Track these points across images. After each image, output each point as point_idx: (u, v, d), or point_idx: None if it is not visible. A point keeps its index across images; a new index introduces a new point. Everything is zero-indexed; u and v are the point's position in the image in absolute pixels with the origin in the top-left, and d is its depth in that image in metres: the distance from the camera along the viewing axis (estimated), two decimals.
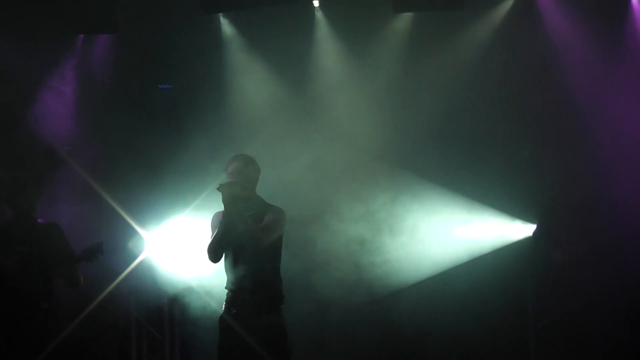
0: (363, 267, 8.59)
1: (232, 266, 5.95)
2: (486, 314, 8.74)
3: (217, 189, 5.79)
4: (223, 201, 5.79)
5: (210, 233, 6.02)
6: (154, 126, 9.07)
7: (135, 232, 8.35)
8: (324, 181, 8.45)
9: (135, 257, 8.30)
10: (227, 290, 6.03)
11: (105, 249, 6.68)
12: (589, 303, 8.36)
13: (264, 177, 6.19)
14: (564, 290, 8.60)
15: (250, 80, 9.17)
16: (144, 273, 8.68)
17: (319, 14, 9.16)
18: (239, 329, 5.88)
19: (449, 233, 8.93)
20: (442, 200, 8.81)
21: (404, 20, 9.06)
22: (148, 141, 8.83)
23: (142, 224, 8.49)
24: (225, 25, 9.23)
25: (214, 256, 5.94)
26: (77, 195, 8.79)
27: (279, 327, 5.94)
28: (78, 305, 7.88)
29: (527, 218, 8.88)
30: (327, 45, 9.19)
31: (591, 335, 8.39)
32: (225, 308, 6.01)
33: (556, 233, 8.72)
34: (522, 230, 8.84)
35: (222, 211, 5.89)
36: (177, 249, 8.64)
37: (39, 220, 6.82)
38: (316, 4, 9.06)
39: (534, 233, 8.74)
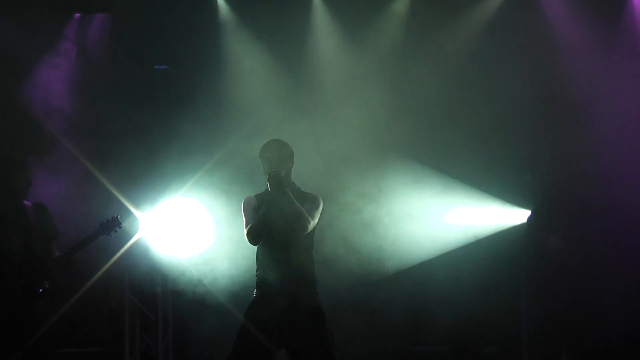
0: (361, 252, 8.58)
1: (269, 251, 5.89)
2: (480, 300, 8.76)
3: (268, 175, 5.82)
4: (271, 184, 5.82)
5: (244, 218, 5.97)
6: (149, 106, 9.05)
7: (129, 212, 8.33)
8: (321, 165, 8.44)
9: (129, 238, 8.28)
10: (258, 275, 5.95)
11: (122, 221, 6.73)
12: (583, 290, 8.36)
13: (255, 159, 6.17)
14: (558, 275, 8.61)
15: (247, 62, 9.14)
16: (138, 254, 8.68)
17: None
18: (272, 314, 5.82)
19: (445, 218, 8.95)
20: (439, 186, 8.81)
21: (402, 4, 9.04)
22: (143, 121, 8.81)
23: (136, 204, 8.47)
24: (223, 7, 9.19)
25: (256, 238, 5.87)
26: (72, 176, 8.77)
27: (317, 310, 5.88)
28: (72, 285, 7.87)
29: (522, 204, 8.89)
30: (324, 29, 9.16)
31: (585, 321, 8.39)
32: (258, 293, 5.93)
33: (551, 219, 8.72)
34: (517, 216, 8.85)
35: (255, 196, 5.95)
36: (171, 229, 8.63)
37: (26, 202, 6.78)
38: None
39: (529, 219, 8.75)
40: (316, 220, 5.97)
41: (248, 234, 5.89)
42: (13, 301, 6.51)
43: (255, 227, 5.86)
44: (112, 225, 6.77)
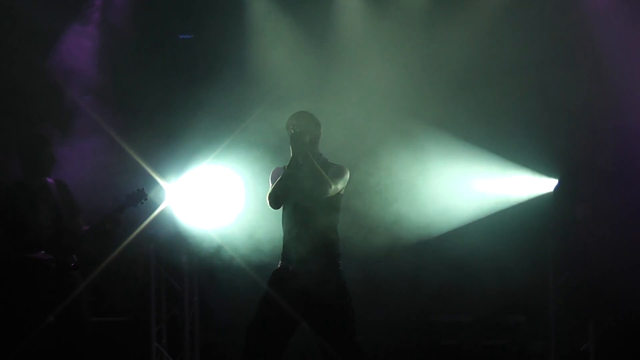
0: (385, 221, 8.56)
1: (293, 217, 5.89)
2: (506, 270, 8.73)
3: (290, 137, 5.81)
4: (292, 145, 5.80)
5: (270, 185, 5.96)
6: (174, 76, 9.03)
7: (155, 182, 8.35)
8: (341, 136, 8.41)
9: (155, 208, 8.29)
10: (283, 244, 5.96)
11: (147, 192, 6.76)
12: (610, 260, 8.31)
13: (282, 130, 6.16)
14: (585, 245, 8.56)
15: (272, 30, 9.10)
16: (164, 223, 8.70)
17: None
18: (296, 285, 5.82)
19: (471, 187, 8.90)
20: (465, 154, 8.76)
21: None
22: (168, 90, 8.80)
23: (162, 174, 8.48)
24: None
25: (276, 202, 5.88)
26: (97, 146, 8.79)
27: (339, 283, 5.87)
28: (98, 255, 7.91)
29: (549, 173, 8.82)
30: (348, 1, 9.11)
31: (612, 292, 8.35)
32: (281, 264, 5.95)
33: (578, 188, 8.65)
34: (544, 185, 8.79)
35: (284, 167, 5.90)
36: (197, 199, 8.64)
37: (48, 179, 6.80)
38: None
39: (556, 188, 8.68)
40: (339, 187, 5.93)
41: (268, 197, 5.89)
42: (47, 273, 6.56)
43: (275, 189, 5.86)
44: (139, 197, 6.80)
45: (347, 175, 6.02)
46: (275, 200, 5.89)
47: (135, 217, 7.97)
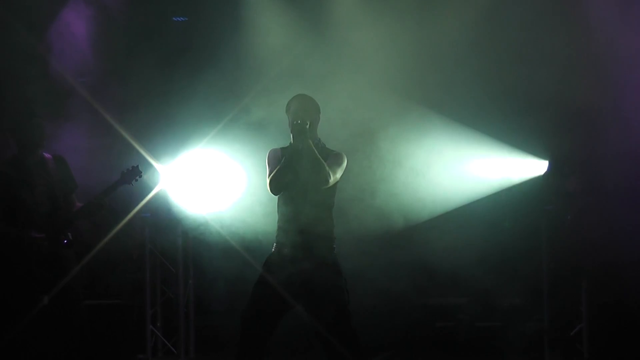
0: (380, 205, 8.56)
1: (289, 202, 5.90)
2: (499, 252, 8.75)
3: (292, 125, 5.83)
4: (294, 135, 5.82)
5: (268, 168, 5.98)
6: (168, 58, 9.00)
7: (149, 164, 8.32)
8: (338, 119, 8.39)
9: (150, 190, 8.27)
10: (278, 228, 5.98)
11: (142, 170, 6.75)
12: (606, 235, 8.30)
13: (281, 110, 6.14)
14: (577, 227, 8.57)
15: (267, 14, 9.06)
16: (159, 206, 8.69)
17: None
18: (289, 267, 5.84)
19: (463, 170, 8.90)
20: (458, 137, 8.75)
21: None
22: (162, 73, 8.77)
23: (156, 156, 8.46)
24: None
25: (277, 188, 5.90)
26: (91, 128, 8.76)
27: (334, 266, 5.90)
28: (92, 237, 7.90)
29: (540, 155, 8.83)
30: None
31: (604, 272, 8.37)
32: (276, 248, 5.97)
33: (566, 164, 8.66)
34: (536, 167, 8.79)
35: (280, 148, 5.95)
36: (192, 182, 8.63)
37: (45, 154, 6.80)
38: None
39: (547, 170, 8.69)
40: (337, 176, 5.97)
41: (270, 184, 5.90)
42: (40, 251, 6.56)
43: (276, 176, 5.86)
44: (133, 174, 6.81)
45: (345, 163, 6.04)
46: (277, 187, 5.90)
47: (129, 200, 7.96)
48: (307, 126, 5.82)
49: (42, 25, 8.82)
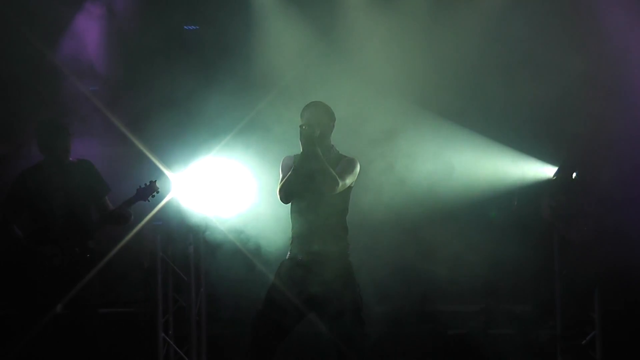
0: (392, 209, 8.54)
1: (301, 210, 5.90)
2: (512, 259, 8.73)
3: (300, 132, 5.79)
4: (301, 141, 5.80)
5: (281, 175, 5.99)
6: (180, 67, 9.03)
7: (161, 173, 8.34)
8: (349, 124, 8.39)
9: (161, 198, 8.29)
10: (292, 236, 5.98)
11: (159, 186, 6.74)
12: (619, 242, 8.27)
13: (292, 118, 6.14)
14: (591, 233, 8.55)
15: (278, 22, 9.09)
16: (171, 214, 8.70)
17: None
18: (303, 274, 5.85)
19: (475, 176, 8.90)
20: (470, 144, 8.76)
21: None
22: (174, 82, 8.79)
23: (168, 165, 8.47)
24: None
25: (287, 196, 5.89)
26: (103, 137, 8.80)
27: (347, 274, 5.90)
28: (104, 245, 7.92)
29: (551, 160, 8.82)
30: None
31: (617, 280, 8.35)
32: (290, 255, 5.96)
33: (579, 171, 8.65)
34: (547, 172, 8.79)
35: (294, 155, 5.94)
36: (204, 190, 8.63)
37: (71, 159, 6.89)
38: None
39: (556, 174, 8.68)
40: (347, 182, 5.91)
41: (279, 192, 5.91)
42: (52, 263, 6.59)
43: (285, 184, 5.87)
44: (150, 191, 6.80)
45: (357, 169, 6.00)
46: (286, 195, 5.90)
47: (141, 208, 7.96)
48: (315, 132, 5.80)
49: (55, 34, 8.87)
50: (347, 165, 5.95)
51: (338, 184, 5.79)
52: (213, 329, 9.29)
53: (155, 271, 8.97)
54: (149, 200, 6.84)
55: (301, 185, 5.85)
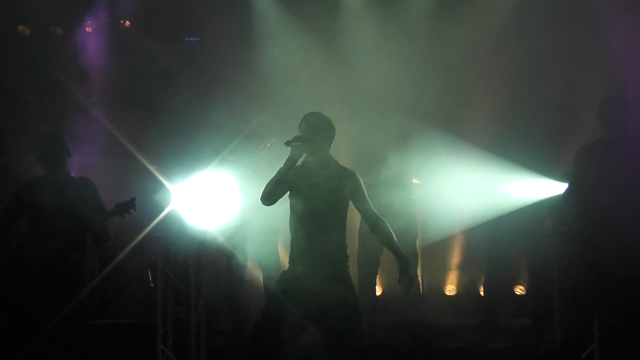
0: (392, 225, 8.54)
1: (302, 223, 5.92)
2: (511, 271, 8.73)
3: (285, 143, 5.84)
4: (291, 149, 5.84)
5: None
6: (180, 78, 9.06)
7: (162, 184, 8.35)
8: (351, 137, 8.41)
9: (162, 210, 8.30)
10: (291, 247, 6.01)
11: (137, 204, 6.77)
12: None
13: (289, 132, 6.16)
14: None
15: (278, 34, 9.12)
16: (171, 225, 8.70)
17: None
18: (302, 284, 5.87)
19: (475, 190, 8.89)
20: (470, 157, 8.76)
21: None
22: (175, 93, 8.82)
23: (169, 177, 8.49)
24: None
25: (267, 197, 5.92)
26: (104, 149, 8.82)
27: (346, 285, 5.92)
28: (104, 257, 7.94)
29: (557, 177, 8.80)
30: (356, 1, 9.12)
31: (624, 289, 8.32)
32: (289, 266, 5.98)
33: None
34: (550, 188, 8.76)
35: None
36: (204, 202, 8.64)
37: (72, 174, 6.94)
38: None
39: (566, 192, 8.65)
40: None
41: (261, 194, 5.94)
42: (43, 274, 6.63)
43: (266, 187, 5.91)
44: (127, 207, 6.83)
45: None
46: (267, 197, 5.93)
47: (141, 219, 7.98)
48: (301, 141, 5.83)
49: (57, 45, 8.91)
50: (361, 190, 5.99)
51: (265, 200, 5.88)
52: (212, 340, 9.28)
53: (155, 282, 8.98)
54: (125, 217, 6.87)
55: (282, 189, 5.89)
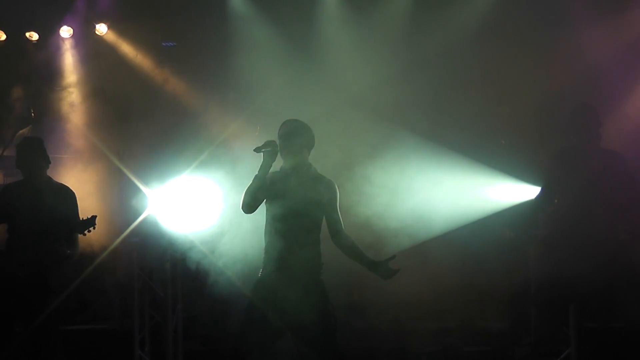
0: (372, 229, 8.57)
1: (278, 229, 5.89)
2: (488, 277, 8.76)
3: (254, 150, 5.82)
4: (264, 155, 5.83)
5: None
6: (156, 83, 9.04)
7: (138, 189, 8.34)
8: (328, 144, 8.41)
9: (138, 215, 8.29)
10: (265, 253, 5.98)
11: (97, 223, 6.77)
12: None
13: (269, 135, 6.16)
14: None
15: (254, 39, 9.12)
16: (147, 230, 8.69)
17: None
18: (278, 291, 5.84)
19: (452, 194, 8.92)
20: (446, 161, 8.79)
21: None
22: (151, 99, 8.81)
23: (145, 181, 8.48)
24: None
25: (248, 206, 5.88)
26: (80, 154, 8.80)
27: (321, 292, 5.91)
28: (81, 262, 7.90)
29: (531, 180, 8.85)
30: (330, 4, 9.13)
31: (594, 297, 8.37)
32: (263, 272, 5.95)
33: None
34: (525, 192, 8.80)
35: (272, 172, 5.91)
36: (180, 206, 8.63)
37: (54, 181, 6.95)
38: None
39: (538, 196, 8.69)
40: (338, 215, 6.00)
41: (242, 203, 5.90)
42: (16, 280, 6.63)
43: (245, 196, 5.87)
44: (87, 224, 6.82)
45: (338, 195, 6.04)
46: (247, 204, 5.89)
47: (118, 225, 7.97)
48: (271, 146, 5.82)
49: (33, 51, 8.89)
50: (336, 201, 6.00)
51: (246, 208, 5.86)
52: (189, 345, 9.26)
53: (132, 288, 8.95)
54: (84, 234, 6.86)
55: (259, 198, 5.86)
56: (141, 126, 8.83)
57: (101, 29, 9.51)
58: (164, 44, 9.49)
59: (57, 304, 6.83)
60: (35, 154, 6.96)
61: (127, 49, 9.21)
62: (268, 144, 5.86)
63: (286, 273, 5.87)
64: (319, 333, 5.82)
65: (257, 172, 5.87)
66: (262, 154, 5.85)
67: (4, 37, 9.73)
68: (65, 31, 9.37)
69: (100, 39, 9.16)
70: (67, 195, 7.05)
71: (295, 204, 5.88)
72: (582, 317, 8.19)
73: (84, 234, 6.86)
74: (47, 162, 7.01)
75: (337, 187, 6.05)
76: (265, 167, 5.84)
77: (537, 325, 8.53)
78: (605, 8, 8.74)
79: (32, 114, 9.35)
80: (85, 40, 9.22)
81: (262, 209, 5.98)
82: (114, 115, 8.94)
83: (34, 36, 9.78)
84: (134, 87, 8.84)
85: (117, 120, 8.92)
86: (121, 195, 8.45)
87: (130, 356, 8.82)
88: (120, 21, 9.23)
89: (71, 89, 9.24)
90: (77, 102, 9.20)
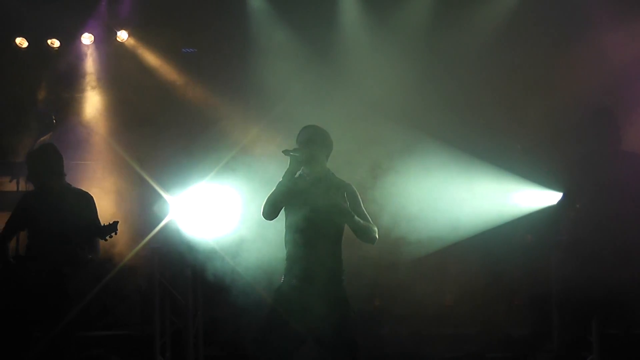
0: (386, 235, 8.55)
1: (299, 236, 5.88)
2: (509, 283, 8.71)
3: (283, 151, 5.81)
4: (290, 161, 5.82)
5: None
6: (177, 90, 9.06)
7: (159, 196, 8.36)
8: (344, 148, 8.40)
9: (159, 221, 8.30)
10: (286, 261, 5.96)
11: (118, 228, 6.78)
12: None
13: (289, 141, 6.17)
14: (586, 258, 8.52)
15: (274, 45, 9.12)
16: (168, 237, 8.70)
17: None
18: (300, 298, 5.84)
19: (473, 200, 8.89)
20: (467, 167, 8.76)
21: None
22: (173, 107, 8.83)
23: (166, 188, 8.50)
24: None
25: (269, 213, 5.88)
26: (102, 161, 8.83)
27: (343, 299, 5.89)
28: (102, 268, 7.93)
29: (553, 186, 8.81)
30: (351, 9, 9.12)
31: (615, 302, 8.31)
32: (284, 279, 5.95)
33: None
34: (547, 198, 8.76)
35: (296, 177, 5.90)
36: (201, 213, 8.64)
37: (72, 186, 6.97)
38: None
39: (560, 201, 8.65)
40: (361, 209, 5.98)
41: (262, 209, 5.90)
42: (35, 282, 6.65)
43: (267, 203, 5.87)
44: (109, 230, 6.82)
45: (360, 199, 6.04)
46: (268, 211, 5.89)
47: (140, 231, 7.98)
48: (300, 152, 5.82)
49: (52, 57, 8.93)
50: (359, 202, 5.99)
51: (266, 215, 5.88)
52: (210, 351, 9.27)
53: (153, 294, 8.97)
54: (107, 239, 6.86)
55: (280, 204, 5.84)
56: (162, 132, 8.83)
57: (122, 35, 9.57)
58: (184, 50, 9.52)
59: (75, 311, 6.84)
60: (43, 166, 6.96)
61: (147, 55, 9.24)
62: (298, 150, 5.84)
63: (308, 281, 5.87)
64: (341, 340, 5.80)
65: (281, 179, 5.84)
66: (289, 158, 5.82)
67: (26, 44, 9.81)
68: (87, 38, 9.45)
69: (121, 46, 9.20)
70: (86, 200, 7.06)
71: (318, 213, 5.86)
72: (604, 323, 8.15)
73: (106, 240, 6.87)
74: (56, 173, 6.98)
75: (355, 189, 6.04)
76: (290, 173, 5.82)
77: (560, 331, 8.49)
78: (627, 12, 8.69)
79: (54, 121, 9.44)
80: (107, 47, 9.26)
81: (281, 216, 5.97)
82: (135, 121, 8.97)
83: (55, 43, 9.87)
84: (154, 93, 8.85)
85: (138, 127, 8.93)
86: (142, 202, 8.46)
87: None
88: (141, 28, 9.26)
89: (92, 96, 9.28)
90: (98, 109, 9.23)
